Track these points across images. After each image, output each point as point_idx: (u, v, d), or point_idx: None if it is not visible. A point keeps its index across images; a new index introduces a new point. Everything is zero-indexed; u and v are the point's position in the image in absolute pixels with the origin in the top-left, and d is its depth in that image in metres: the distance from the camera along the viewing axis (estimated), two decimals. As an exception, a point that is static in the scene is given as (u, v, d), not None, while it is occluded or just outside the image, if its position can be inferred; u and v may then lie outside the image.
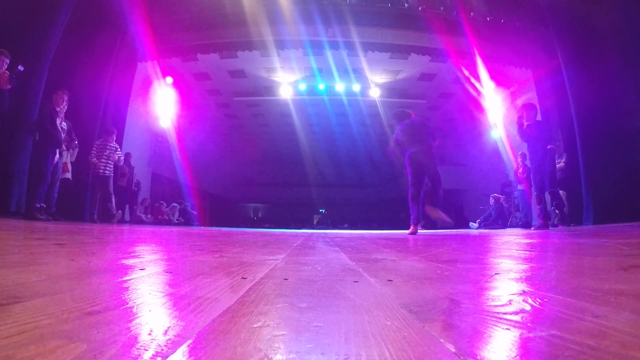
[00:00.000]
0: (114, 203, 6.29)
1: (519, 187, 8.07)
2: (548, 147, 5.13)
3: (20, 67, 4.43)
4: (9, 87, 4.36)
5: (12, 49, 4.55)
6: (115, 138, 6.38)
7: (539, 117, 5.56)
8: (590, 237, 3.01)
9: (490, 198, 8.66)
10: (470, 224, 9.08)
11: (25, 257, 1.16)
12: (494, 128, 10.22)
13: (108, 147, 6.19)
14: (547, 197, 5.27)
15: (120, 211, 6.61)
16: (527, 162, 7.77)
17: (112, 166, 6.23)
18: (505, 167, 9.47)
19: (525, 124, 5.25)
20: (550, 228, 5.42)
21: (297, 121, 13.80)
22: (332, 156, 19.25)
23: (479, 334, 0.46)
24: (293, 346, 0.41)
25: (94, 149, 6.12)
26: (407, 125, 5.08)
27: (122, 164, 6.91)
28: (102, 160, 6.11)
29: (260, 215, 23.02)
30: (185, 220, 10.15)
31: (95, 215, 6.01)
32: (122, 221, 7.04)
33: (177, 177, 11.54)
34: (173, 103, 10.10)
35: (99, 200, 6.12)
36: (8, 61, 4.38)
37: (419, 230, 4.86)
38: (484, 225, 8.36)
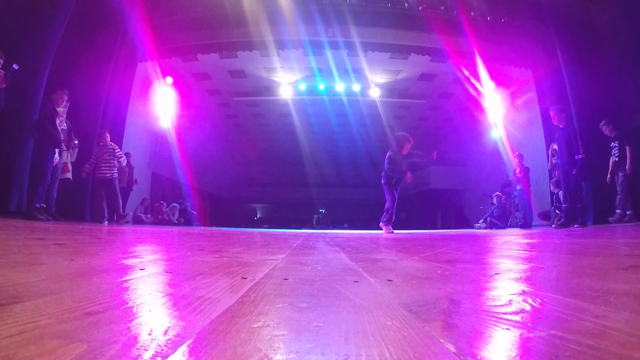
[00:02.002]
0: (121, 204, 6.27)
1: (518, 187, 8.06)
2: (577, 157, 5.34)
3: (15, 66, 4.43)
4: (4, 86, 4.36)
5: (13, 48, 4.55)
6: (109, 137, 6.28)
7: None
8: (590, 237, 3.01)
9: (494, 197, 8.64)
10: (475, 225, 9.05)
11: (25, 257, 1.16)
12: (494, 128, 10.22)
13: (105, 150, 6.16)
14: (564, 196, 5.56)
15: (130, 213, 6.60)
16: (525, 163, 7.81)
17: (114, 168, 6.19)
18: (505, 167, 9.47)
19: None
20: (552, 227, 5.47)
21: (297, 121, 13.78)
22: (332, 156, 19.22)
23: (479, 334, 0.46)
24: (293, 346, 0.41)
25: (93, 157, 6.09)
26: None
27: (125, 164, 6.78)
28: (103, 164, 6.09)
29: (260, 215, 23.00)
30: (185, 220, 10.15)
31: (107, 215, 6.00)
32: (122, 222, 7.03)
33: (177, 177, 11.52)
34: (173, 103, 10.09)
35: (104, 201, 6.10)
36: (2, 61, 4.38)
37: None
38: (489, 221, 8.30)
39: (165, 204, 9.71)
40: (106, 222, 5.88)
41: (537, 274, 1.01)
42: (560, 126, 5.55)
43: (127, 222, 6.35)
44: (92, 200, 6.46)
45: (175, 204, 10.07)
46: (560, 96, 6.75)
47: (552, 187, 7.39)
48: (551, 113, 5.67)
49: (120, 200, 6.26)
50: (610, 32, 5.97)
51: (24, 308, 0.51)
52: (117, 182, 6.23)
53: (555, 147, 6.12)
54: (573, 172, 5.32)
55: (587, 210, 6.00)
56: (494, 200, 8.59)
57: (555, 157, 6.34)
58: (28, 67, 4.80)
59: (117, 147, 6.38)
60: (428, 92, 11.98)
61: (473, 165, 13.62)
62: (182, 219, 10.03)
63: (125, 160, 6.59)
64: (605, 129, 5.72)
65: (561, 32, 6.62)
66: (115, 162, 6.17)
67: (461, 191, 14.57)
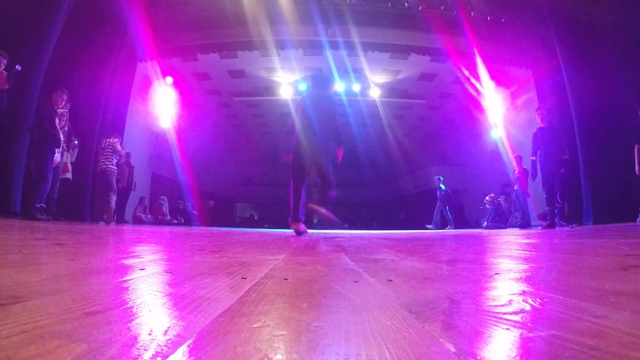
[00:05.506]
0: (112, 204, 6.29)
1: (515, 187, 8.08)
2: (564, 157, 5.25)
3: (18, 67, 4.44)
4: (7, 87, 4.37)
5: (9, 49, 4.56)
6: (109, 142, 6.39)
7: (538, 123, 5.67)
8: (590, 237, 3.01)
9: (487, 199, 8.65)
10: (426, 226, 9.05)
11: (25, 257, 1.16)
12: (494, 128, 10.22)
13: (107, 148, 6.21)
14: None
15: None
16: (523, 164, 7.82)
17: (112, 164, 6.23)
18: (505, 167, 9.47)
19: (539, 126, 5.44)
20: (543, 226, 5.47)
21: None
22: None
23: (479, 334, 0.46)
24: (293, 346, 0.41)
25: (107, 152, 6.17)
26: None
27: (119, 150, 6.71)
28: (102, 158, 6.12)
29: (260, 215, 22.98)
30: (186, 220, 10.15)
31: (105, 215, 5.99)
32: (122, 221, 7.03)
33: (177, 177, 11.53)
34: (173, 103, 10.09)
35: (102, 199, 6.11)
36: (6, 62, 4.39)
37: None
38: (492, 224, 8.31)
39: (164, 204, 9.71)
40: (113, 222, 5.87)
41: (537, 274, 1.01)
42: (543, 125, 5.41)
43: (125, 221, 6.36)
44: (92, 200, 6.47)
45: (164, 197, 9.97)
46: (560, 96, 6.76)
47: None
48: (539, 112, 5.54)
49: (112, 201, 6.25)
50: (610, 32, 5.97)
51: (24, 308, 0.51)
52: (112, 177, 6.25)
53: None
54: (562, 171, 5.21)
55: (588, 209, 6.00)
56: (487, 204, 8.60)
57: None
58: (24, 67, 4.80)
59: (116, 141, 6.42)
60: (428, 92, 11.99)
61: (473, 165, 13.62)
62: (182, 219, 10.03)
63: (122, 151, 6.59)
64: None
65: (561, 32, 6.62)
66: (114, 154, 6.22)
67: (461, 191, 14.57)
